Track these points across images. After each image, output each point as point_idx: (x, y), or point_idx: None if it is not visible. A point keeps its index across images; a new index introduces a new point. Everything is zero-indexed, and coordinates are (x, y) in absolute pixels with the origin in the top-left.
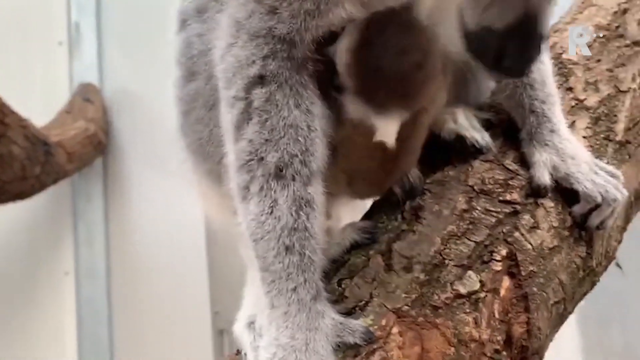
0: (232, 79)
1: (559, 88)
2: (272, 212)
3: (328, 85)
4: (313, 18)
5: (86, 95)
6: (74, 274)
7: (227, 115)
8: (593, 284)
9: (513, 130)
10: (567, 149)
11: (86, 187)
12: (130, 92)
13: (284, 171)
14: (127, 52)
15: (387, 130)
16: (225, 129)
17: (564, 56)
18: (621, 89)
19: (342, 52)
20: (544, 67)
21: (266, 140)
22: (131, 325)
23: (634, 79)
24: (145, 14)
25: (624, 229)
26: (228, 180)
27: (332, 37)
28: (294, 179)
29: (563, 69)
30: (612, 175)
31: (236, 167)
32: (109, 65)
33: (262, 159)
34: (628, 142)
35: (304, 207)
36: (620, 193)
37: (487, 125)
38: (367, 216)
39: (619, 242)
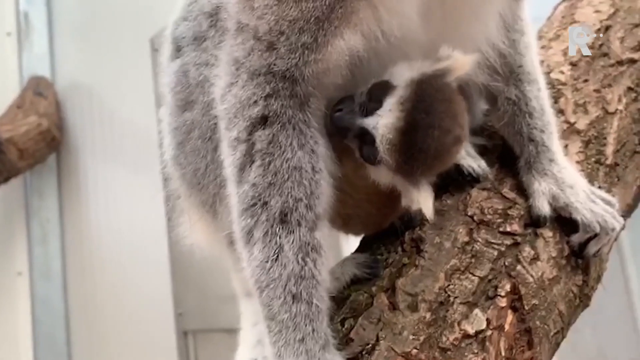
0: (234, 120)
1: None
2: (277, 258)
3: (358, 154)
4: (312, 52)
5: (38, 89)
6: (28, 275)
7: (229, 158)
8: (585, 307)
9: (508, 155)
10: (566, 178)
11: (39, 184)
12: (84, 85)
13: (288, 216)
14: (80, 43)
15: (426, 201)
16: (227, 171)
17: (552, 75)
18: (609, 111)
19: (386, 129)
20: (542, 94)
21: (270, 184)
22: (90, 327)
23: (620, 100)
24: (99, 1)
25: (610, 249)
26: (230, 223)
27: (371, 106)
28: (299, 224)
29: (552, 90)
30: (608, 203)
31: (239, 211)
32: (61, 57)
33: (265, 203)
34: (617, 164)
35: (311, 253)
36: (617, 222)
37: (482, 151)
38: (362, 246)
39: (607, 261)
